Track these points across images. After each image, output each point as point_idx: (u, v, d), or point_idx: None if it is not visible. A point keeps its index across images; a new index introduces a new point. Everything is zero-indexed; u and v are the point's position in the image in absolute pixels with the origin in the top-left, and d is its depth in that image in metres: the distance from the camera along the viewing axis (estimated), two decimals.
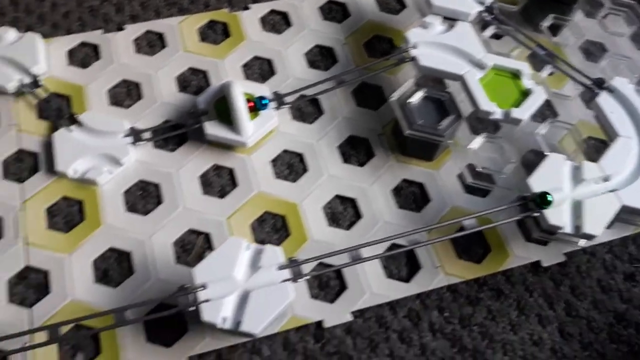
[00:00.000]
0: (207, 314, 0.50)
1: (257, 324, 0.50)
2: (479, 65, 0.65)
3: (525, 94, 0.64)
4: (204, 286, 0.51)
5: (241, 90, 0.63)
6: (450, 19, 0.68)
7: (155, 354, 0.55)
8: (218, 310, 0.50)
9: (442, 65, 0.65)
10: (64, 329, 0.54)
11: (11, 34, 0.70)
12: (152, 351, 0.55)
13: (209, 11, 0.77)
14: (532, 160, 0.66)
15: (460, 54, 0.65)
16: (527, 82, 0.64)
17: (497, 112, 0.62)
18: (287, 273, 0.53)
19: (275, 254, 0.53)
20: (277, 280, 0.52)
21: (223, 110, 0.65)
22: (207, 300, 0.51)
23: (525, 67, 0.65)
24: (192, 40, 0.74)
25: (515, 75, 0.65)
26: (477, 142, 0.64)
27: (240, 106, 0.62)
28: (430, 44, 0.66)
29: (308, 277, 0.54)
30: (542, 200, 0.55)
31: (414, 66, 0.66)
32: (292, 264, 0.53)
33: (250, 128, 0.64)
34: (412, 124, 0.62)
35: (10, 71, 0.68)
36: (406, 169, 0.66)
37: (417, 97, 0.64)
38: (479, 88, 0.63)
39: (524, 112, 0.62)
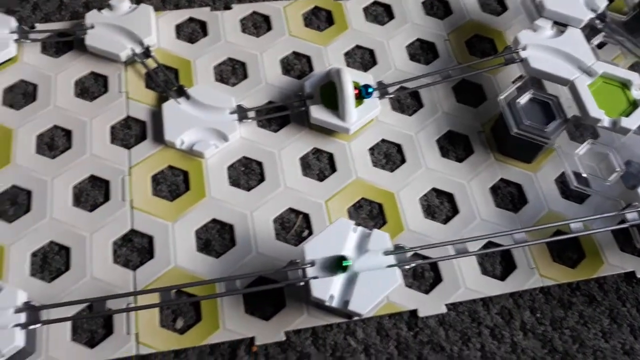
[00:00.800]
0: (317, 290, 0.51)
1: (365, 304, 0.51)
2: (588, 72, 0.65)
3: (635, 104, 0.63)
4: (313, 263, 0.52)
5: (350, 78, 0.64)
6: (561, 24, 0.68)
7: (253, 326, 0.56)
8: (327, 288, 0.51)
9: (552, 68, 0.65)
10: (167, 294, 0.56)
11: (125, 4, 0.72)
12: (251, 323, 0.57)
13: None
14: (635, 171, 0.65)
15: (570, 59, 0.65)
16: (635, 93, 0.64)
17: (605, 120, 0.62)
18: (392, 259, 0.53)
19: (383, 238, 0.54)
20: (383, 265, 0.53)
21: (328, 96, 0.66)
22: (316, 277, 0.52)
23: (635, 77, 0.64)
24: (297, 25, 0.75)
25: (625, 84, 0.65)
26: (583, 148, 0.64)
27: (350, 93, 0.63)
28: (540, 47, 0.66)
29: (414, 265, 0.55)
30: None
31: (522, 67, 0.66)
32: (398, 250, 0.54)
33: (355, 115, 0.64)
34: (520, 123, 0.62)
35: (124, 40, 0.70)
36: (505, 168, 0.67)
37: (524, 98, 0.64)
38: (588, 94, 0.63)
39: (633, 121, 0.61)
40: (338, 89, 0.64)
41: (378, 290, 0.52)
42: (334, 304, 0.51)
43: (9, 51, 0.68)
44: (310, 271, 0.52)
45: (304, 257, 0.52)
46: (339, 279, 0.52)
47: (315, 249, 0.53)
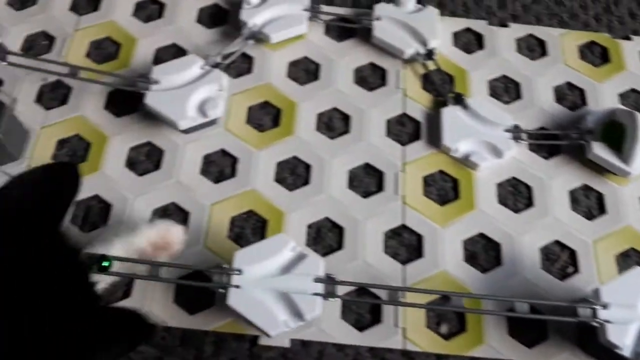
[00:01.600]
0: (612, 334, 0.50)
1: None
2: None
3: None
4: (605, 305, 0.51)
5: None
6: None
7: (516, 350, 0.56)
8: (623, 334, 0.50)
9: None
10: (431, 297, 0.57)
11: (412, 2, 0.73)
12: (514, 347, 0.56)
13: (588, 31, 0.77)
14: None
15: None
16: None
17: None
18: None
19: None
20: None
21: (612, 135, 0.64)
22: (608, 322, 0.51)
23: None
24: (572, 56, 0.74)
25: None
26: None
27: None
28: None
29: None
30: None
31: None
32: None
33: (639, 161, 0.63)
34: None
35: (409, 38, 0.71)
36: None
37: None
38: None
39: None
40: (628, 132, 0.62)
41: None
42: (626, 353, 0.50)
43: (301, 28, 0.71)
44: (603, 313, 0.51)
45: (599, 297, 0.51)
46: (633, 328, 0.50)
47: (611, 291, 0.52)
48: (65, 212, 0.35)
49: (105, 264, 0.50)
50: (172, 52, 0.71)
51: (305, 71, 0.71)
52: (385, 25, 0.72)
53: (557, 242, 0.62)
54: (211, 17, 0.74)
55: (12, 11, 0.73)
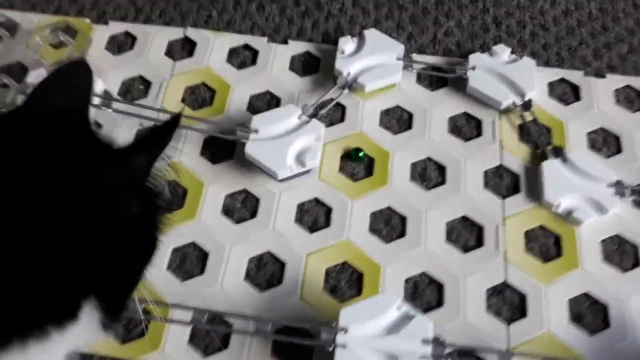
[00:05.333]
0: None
1: None
2: None
3: None
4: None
5: None
6: None
7: None
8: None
9: None
10: None
11: (506, 52, 0.72)
12: None
13: None
14: None
15: None
16: None
17: None
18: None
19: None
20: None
21: None
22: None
23: None
24: None
25: None
26: None
27: None
28: None
29: None
30: None
31: None
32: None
33: None
34: None
35: (505, 89, 0.70)
36: None
37: None
38: None
39: None
40: None
41: None
42: None
43: (396, 77, 0.71)
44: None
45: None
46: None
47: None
48: (88, 105, 0.37)
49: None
50: (265, 100, 0.72)
51: (397, 120, 0.70)
52: (481, 75, 0.71)
53: None
54: (303, 65, 0.74)
55: (110, 55, 0.75)
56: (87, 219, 0.32)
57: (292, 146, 0.62)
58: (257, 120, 0.64)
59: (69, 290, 0.32)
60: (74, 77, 0.38)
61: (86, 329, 0.33)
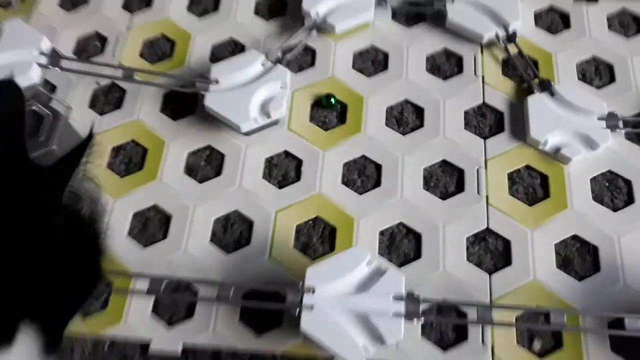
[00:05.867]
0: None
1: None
2: None
3: None
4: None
5: None
6: None
7: None
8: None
9: None
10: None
11: None
12: None
13: None
14: None
15: None
16: None
17: None
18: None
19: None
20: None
21: None
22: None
23: None
24: None
25: None
26: None
27: None
28: None
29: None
30: None
31: None
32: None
33: None
34: None
35: (487, 21, 0.64)
36: None
37: None
38: None
39: None
40: None
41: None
42: None
43: (368, 15, 0.65)
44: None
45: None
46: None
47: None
48: (22, 131, 0.33)
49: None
50: (229, 48, 0.67)
51: (372, 62, 0.65)
52: (461, 7, 0.65)
53: None
54: (269, 8, 0.69)
55: (63, 13, 0.70)
56: (16, 242, 0.30)
57: (255, 95, 0.58)
58: (216, 69, 0.60)
59: (3, 313, 0.29)
60: (2, 100, 0.34)
61: (23, 354, 0.30)
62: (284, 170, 0.59)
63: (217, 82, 0.59)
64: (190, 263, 0.54)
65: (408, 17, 0.68)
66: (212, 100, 0.58)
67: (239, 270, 0.54)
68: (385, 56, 0.65)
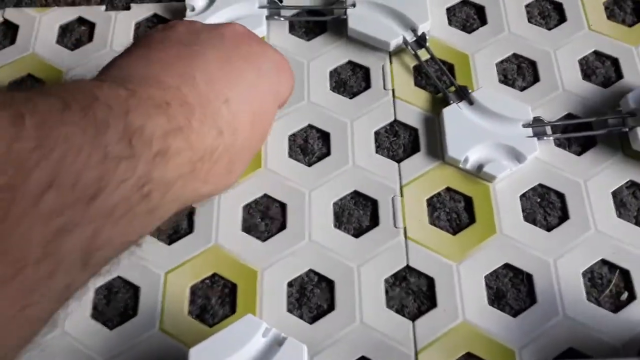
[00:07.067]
0: None
1: None
2: None
3: None
4: None
5: None
6: None
7: None
8: None
9: None
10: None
11: None
12: None
13: None
14: None
15: None
16: None
17: None
18: None
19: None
20: None
21: None
22: None
23: None
24: (598, 17, 0.59)
25: None
26: None
27: None
28: None
29: None
30: None
31: None
32: None
33: None
34: None
35: (393, 25, 0.57)
36: None
37: None
38: None
39: None
40: None
41: None
42: None
43: (260, 30, 0.58)
44: None
45: None
46: None
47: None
48: None
49: None
50: None
51: None
52: (362, 12, 0.58)
53: (604, 262, 0.49)
54: None
55: None
56: None
57: None
58: None
59: None
60: None
61: None
62: (175, 221, 0.51)
63: None
64: (68, 345, 0.46)
65: (307, 28, 0.60)
66: None
67: (125, 347, 0.46)
68: None
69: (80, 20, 0.63)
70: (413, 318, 0.47)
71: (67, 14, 0.62)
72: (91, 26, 0.62)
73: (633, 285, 0.48)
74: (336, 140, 0.54)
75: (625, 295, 0.48)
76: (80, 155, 0.27)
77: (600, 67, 0.58)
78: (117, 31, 0.61)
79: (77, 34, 0.62)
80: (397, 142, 0.54)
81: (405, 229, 0.50)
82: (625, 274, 0.49)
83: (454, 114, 0.53)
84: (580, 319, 0.47)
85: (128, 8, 0.63)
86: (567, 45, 0.58)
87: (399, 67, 0.58)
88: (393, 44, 0.57)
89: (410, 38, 0.57)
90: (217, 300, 0.48)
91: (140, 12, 0.62)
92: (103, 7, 0.63)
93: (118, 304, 0.49)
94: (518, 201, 0.51)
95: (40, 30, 0.62)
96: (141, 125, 0.31)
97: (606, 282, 0.49)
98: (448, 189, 0.52)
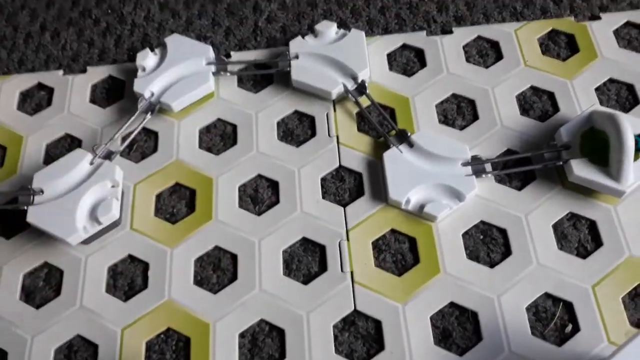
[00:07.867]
0: None
1: None
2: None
3: None
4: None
5: (630, 126, 0.50)
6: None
7: None
8: None
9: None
10: None
11: (333, 29, 0.62)
12: None
13: (548, 18, 0.64)
14: None
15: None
16: None
17: None
18: None
19: None
20: None
21: (592, 147, 0.52)
22: None
23: None
24: (533, 53, 0.62)
25: None
26: None
27: (630, 146, 0.49)
28: None
29: None
30: None
31: None
32: None
33: (632, 175, 0.50)
34: None
35: (334, 74, 0.59)
36: None
37: None
38: None
39: None
40: (611, 140, 0.50)
41: None
42: None
43: (208, 86, 0.60)
44: None
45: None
46: None
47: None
48: None
49: None
50: (65, 145, 0.61)
51: (221, 136, 0.60)
52: (305, 64, 0.60)
53: (548, 295, 0.50)
54: (107, 94, 0.63)
55: None
56: None
57: (81, 202, 0.52)
58: (39, 178, 0.54)
59: None
60: None
61: None
62: (129, 278, 0.53)
63: (41, 192, 0.53)
64: None
65: (255, 81, 0.63)
66: (35, 215, 0.52)
67: None
68: (234, 128, 0.60)
69: (40, 86, 0.65)
70: None
71: (27, 80, 0.65)
72: (50, 91, 0.64)
73: (577, 316, 0.49)
74: (285, 188, 0.56)
75: (569, 328, 0.49)
76: None
77: (537, 102, 0.60)
78: (74, 94, 0.63)
79: (36, 99, 0.64)
80: (342, 187, 0.56)
81: (352, 272, 0.52)
82: (568, 306, 0.50)
83: (395, 158, 0.55)
84: (526, 355, 0.48)
85: (84, 71, 0.65)
86: (504, 82, 0.60)
87: (342, 114, 0.59)
88: (335, 92, 0.58)
89: (351, 86, 0.59)
90: (172, 355, 0.50)
91: (96, 75, 0.65)
92: (61, 72, 0.65)
93: None
94: (461, 239, 0.53)
95: (1, 97, 0.64)
96: None
97: (550, 315, 0.50)
98: (393, 231, 0.54)
